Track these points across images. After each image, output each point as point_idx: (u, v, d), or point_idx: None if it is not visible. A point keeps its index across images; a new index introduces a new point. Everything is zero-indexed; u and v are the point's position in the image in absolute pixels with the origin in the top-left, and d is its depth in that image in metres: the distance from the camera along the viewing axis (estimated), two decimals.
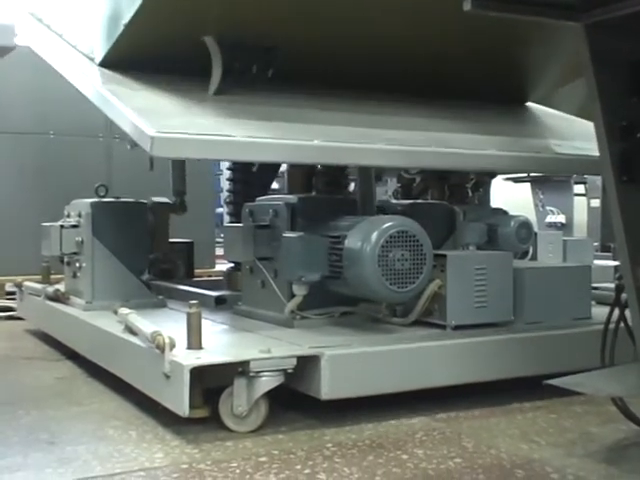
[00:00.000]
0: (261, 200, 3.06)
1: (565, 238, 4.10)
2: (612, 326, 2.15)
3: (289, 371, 2.19)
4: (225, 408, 2.20)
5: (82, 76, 3.09)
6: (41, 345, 3.67)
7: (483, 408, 2.42)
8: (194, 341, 2.25)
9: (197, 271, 4.54)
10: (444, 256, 2.63)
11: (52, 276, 3.90)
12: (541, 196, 8.01)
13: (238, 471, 1.87)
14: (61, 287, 3.56)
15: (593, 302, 2.93)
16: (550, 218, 7.81)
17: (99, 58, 3.11)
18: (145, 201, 3.57)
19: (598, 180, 6.72)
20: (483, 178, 4.23)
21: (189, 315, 2.27)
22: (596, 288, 3.06)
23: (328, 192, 3.54)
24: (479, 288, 2.64)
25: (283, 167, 4.50)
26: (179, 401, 2.10)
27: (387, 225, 2.48)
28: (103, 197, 3.45)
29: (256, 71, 2.92)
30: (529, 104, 4.05)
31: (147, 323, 2.45)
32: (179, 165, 4.05)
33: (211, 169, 6.96)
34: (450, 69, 3.38)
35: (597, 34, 1.99)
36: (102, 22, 3.10)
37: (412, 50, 3.13)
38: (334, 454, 2.00)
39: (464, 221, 3.44)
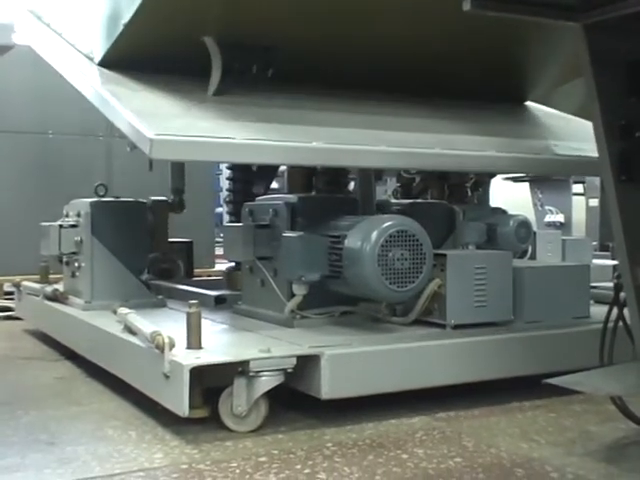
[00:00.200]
0: (261, 199, 3.06)
1: (564, 237, 4.11)
2: (611, 325, 2.15)
3: (289, 371, 2.19)
4: (225, 408, 2.20)
5: (81, 76, 3.09)
6: (40, 345, 3.67)
7: (483, 407, 2.42)
8: (194, 341, 2.25)
9: (197, 271, 4.54)
10: (444, 255, 2.63)
11: (51, 276, 3.90)
12: (540, 195, 8.01)
13: (238, 471, 1.87)
14: (60, 287, 3.56)
15: (592, 301, 2.93)
16: (549, 217, 7.81)
17: (98, 58, 3.11)
18: (145, 201, 3.57)
19: (597, 180, 6.72)
20: (482, 178, 4.23)
21: (189, 315, 2.27)
22: (595, 287, 3.06)
23: (328, 191, 3.53)
24: (479, 287, 2.65)
25: (283, 166, 4.50)
26: (179, 401, 2.10)
27: (387, 225, 2.48)
28: (102, 196, 3.45)
29: (256, 71, 2.91)
30: (528, 103, 4.05)
31: (146, 323, 2.45)
32: (178, 164, 4.05)
33: (210, 168, 6.96)
34: (449, 69, 3.38)
35: (596, 34, 1.99)
36: (102, 21, 3.10)
37: (411, 50, 3.13)
38: (334, 454, 2.00)
39: (464, 220, 3.45)
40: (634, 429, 2.14)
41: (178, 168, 4.04)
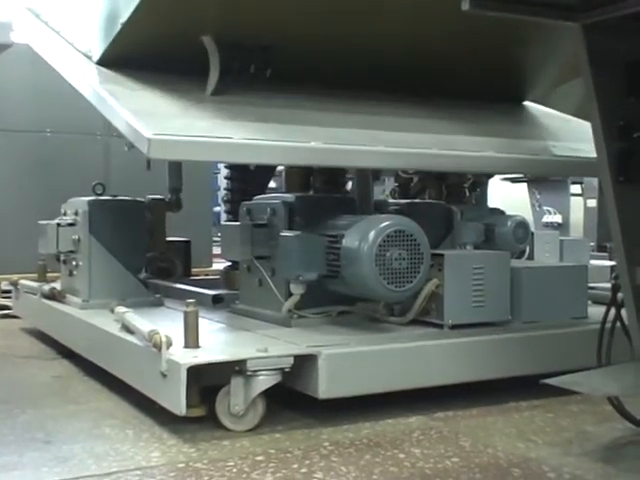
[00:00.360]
0: (259, 199, 3.06)
1: (562, 238, 4.11)
2: (608, 326, 2.15)
3: (286, 370, 2.19)
4: (222, 407, 2.19)
5: (79, 74, 3.08)
6: (37, 344, 3.66)
7: (480, 407, 2.42)
8: (191, 340, 2.25)
9: (194, 270, 4.53)
10: (441, 255, 2.63)
11: (48, 274, 3.90)
12: (538, 196, 8.02)
13: (235, 470, 1.87)
14: (57, 285, 3.56)
15: (589, 302, 2.94)
16: (547, 218, 7.82)
17: (97, 56, 3.11)
18: (142, 199, 3.57)
19: (594, 180, 6.73)
20: (480, 178, 4.23)
21: (186, 314, 2.27)
22: (592, 288, 3.06)
23: (326, 191, 3.53)
24: (476, 287, 2.65)
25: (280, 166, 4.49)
26: (176, 400, 2.10)
27: (385, 224, 2.48)
28: (100, 195, 3.45)
29: (254, 71, 2.91)
30: (527, 103, 4.06)
31: (144, 322, 2.45)
32: (175, 163, 4.04)
33: (208, 167, 6.95)
34: (449, 68, 3.38)
35: (595, 34, 1.99)
36: (100, 20, 3.09)
37: (411, 49, 3.13)
38: (331, 453, 2.00)
39: (461, 221, 3.45)
40: (631, 429, 2.15)
41: (175, 167, 4.03)
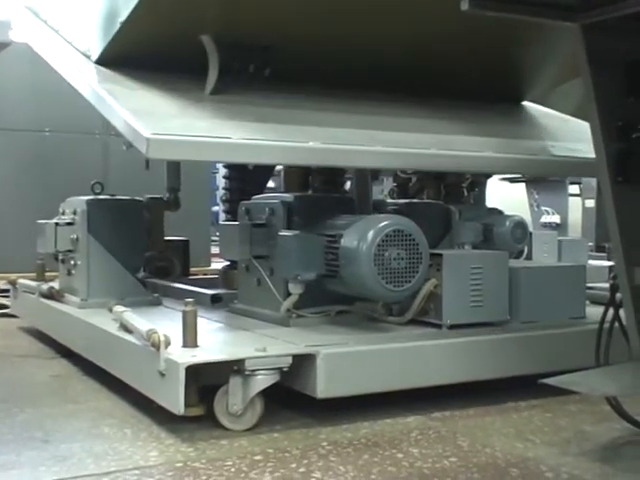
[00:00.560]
0: (257, 198, 3.06)
1: (560, 238, 4.12)
2: (607, 326, 2.16)
3: (285, 369, 2.19)
4: (220, 406, 2.19)
5: (78, 73, 3.08)
6: (35, 343, 3.66)
7: (478, 407, 2.42)
8: (189, 339, 2.25)
9: (193, 269, 4.53)
10: (440, 255, 2.63)
11: (47, 274, 3.89)
12: (536, 196, 8.03)
13: (233, 470, 1.87)
14: (56, 285, 3.55)
15: (588, 302, 2.94)
16: (545, 218, 7.83)
17: (95, 55, 3.10)
18: (141, 199, 3.56)
19: (593, 181, 6.74)
20: (479, 178, 4.23)
21: (185, 313, 2.27)
22: (591, 288, 3.07)
23: (324, 191, 3.54)
24: (475, 287, 2.65)
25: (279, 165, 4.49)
26: (174, 399, 2.10)
27: (383, 224, 2.48)
28: (99, 194, 3.45)
29: (253, 70, 2.91)
30: (525, 103, 4.06)
31: (142, 321, 2.45)
32: (174, 162, 4.04)
33: (207, 167, 6.95)
34: (448, 68, 3.38)
35: (594, 35, 1.99)
36: (99, 19, 3.09)
37: (410, 49, 3.14)
38: (329, 453, 2.00)
39: (460, 220, 3.45)
40: (629, 429, 2.15)
41: (174, 166, 4.03)
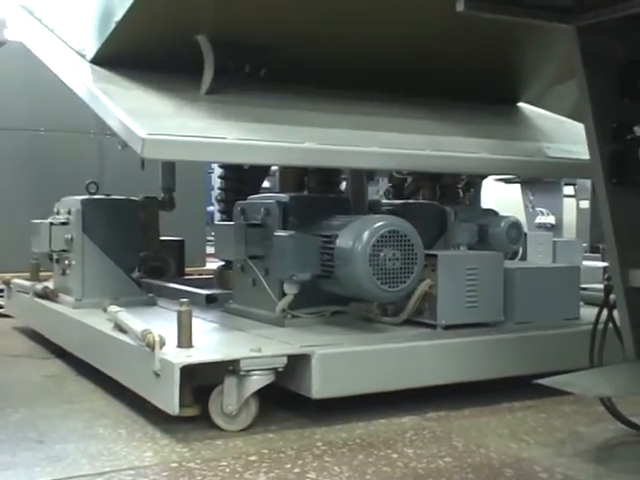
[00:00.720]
0: (253, 198, 3.06)
1: (555, 239, 4.13)
2: (601, 327, 2.16)
3: (280, 370, 2.19)
4: (215, 407, 2.19)
5: (73, 73, 3.07)
6: (29, 343, 3.65)
7: (473, 407, 2.43)
8: (184, 339, 2.25)
9: (188, 269, 4.53)
10: (435, 256, 2.63)
11: (41, 273, 3.88)
12: (531, 197, 8.05)
13: (228, 470, 1.87)
14: (50, 284, 3.55)
15: (582, 303, 2.94)
16: (540, 219, 7.84)
17: (90, 55, 3.10)
18: (136, 198, 3.56)
19: (587, 182, 6.76)
20: (474, 179, 4.24)
21: (179, 313, 2.26)
22: (585, 289, 3.07)
23: (320, 191, 3.53)
24: (470, 288, 2.65)
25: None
26: (169, 399, 2.10)
27: (378, 225, 2.48)
28: (93, 194, 3.44)
29: (249, 70, 2.91)
30: (521, 104, 4.07)
31: (137, 321, 2.45)
32: (169, 162, 4.04)
33: (202, 167, 6.94)
34: (444, 69, 3.38)
35: (589, 36, 2.00)
36: (94, 18, 3.08)
37: (406, 50, 3.14)
38: (324, 453, 2.00)
39: (455, 221, 3.45)
40: (623, 430, 2.15)
41: (169, 166, 4.03)
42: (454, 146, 3.00)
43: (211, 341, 2.51)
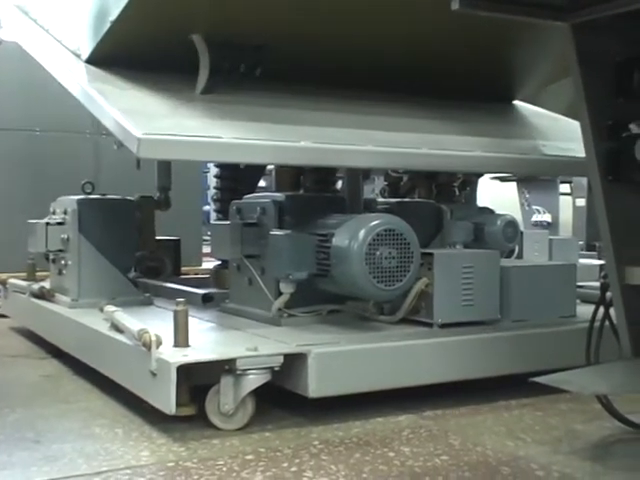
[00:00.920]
0: (249, 198, 3.06)
1: (551, 237, 4.13)
2: (597, 324, 2.16)
3: (276, 369, 2.19)
4: (212, 406, 2.19)
5: (68, 73, 3.07)
6: (26, 343, 3.65)
7: (470, 406, 2.43)
8: (181, 339, 2.25)
9: (184, 269, 4.53)
10: (431, 254, 2.63)
11: (37, 273, 3.88)
12: (527, 195, 8.05)
13: (225, 469, 1.87)
14: (46, 284, 3.54)
15: (578, 300, 2.95)
16: (536, 217, 7.85)
17: (85, 55, 3.09)
18: (132, 198, 3.56)
19: (583, 180, 6.76)
20: (470, 177, 4.24)
21: (176, 313, 2.26)
22: (581, 287, 3.08)
23: (316, 190, 3.54)
24: (466, 286, 2.65)
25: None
26: (166, 399, 2.10)
27: (374, 223, 2.48)
28: (89, 194, 3.44)
29: (244, 70, 2.91)
30: (516, 102, 4.07)
31: (133, 321, 2.45)
32: (164, 162, 4.03)
33: (198, 166, 6.93)
34: (443, 69, 3.38)
35: (584, 34, 2.00)
36: (89, 18, 3.08)
37: (406, 49, 3.14)
38: (321, 452, 2.00)
39: (451, 220, 3.46)
40: (620, 427, 2.16)
41: (164, 166, 4.02)
42: (450, 144, 3.00)
43: (207, 340, 2.51)
